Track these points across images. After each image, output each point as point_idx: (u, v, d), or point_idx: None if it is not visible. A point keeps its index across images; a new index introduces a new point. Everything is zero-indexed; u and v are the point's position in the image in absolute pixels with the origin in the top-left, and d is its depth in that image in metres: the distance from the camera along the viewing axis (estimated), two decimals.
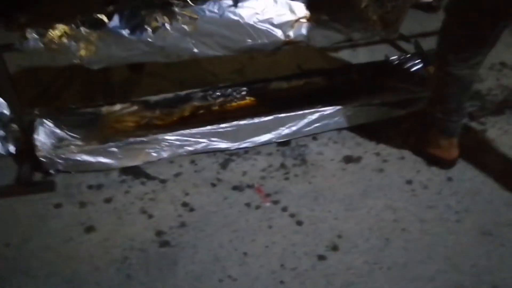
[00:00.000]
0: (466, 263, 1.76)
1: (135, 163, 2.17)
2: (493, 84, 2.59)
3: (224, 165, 2.19)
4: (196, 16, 1.88)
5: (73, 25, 1.86)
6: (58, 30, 1.86)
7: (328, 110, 2.23)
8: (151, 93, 2.43)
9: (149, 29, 1.87)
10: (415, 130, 2.25)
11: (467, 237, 1.85)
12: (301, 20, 1.99)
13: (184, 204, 2.02)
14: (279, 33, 1.98)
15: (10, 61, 2.02)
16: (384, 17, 2.06)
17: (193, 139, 2.17)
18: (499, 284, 1.69)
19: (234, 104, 2.43)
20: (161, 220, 1.96)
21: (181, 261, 1.82)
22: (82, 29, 1.86)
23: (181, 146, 2.17)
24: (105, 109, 2.35)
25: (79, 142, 2.14)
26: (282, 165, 2.18)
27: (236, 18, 1.91)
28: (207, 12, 1.88)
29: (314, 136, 2.30)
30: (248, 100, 2.45)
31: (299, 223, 1.93)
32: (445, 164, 2.11)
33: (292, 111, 2.21)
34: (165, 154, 2.18)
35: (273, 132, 2.23)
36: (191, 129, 2.16)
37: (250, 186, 2.09)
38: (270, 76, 2.55)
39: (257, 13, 1.92)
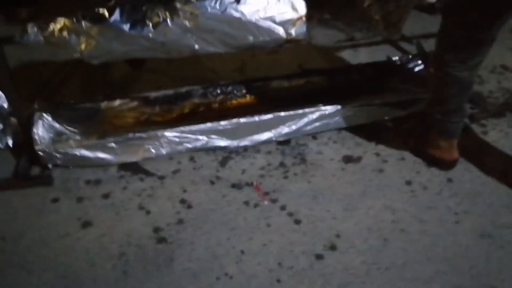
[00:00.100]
0: (465, 265, 1.75)
1: (133, 159, 2.16)
2: (494, 87, 2.59)
3: (223, 163, 2.18)
4: (197, 12, 1.88)
5: (74, 19, 1.86)
6: (58, 24, 1.86)
7: (329, 109, 2.23)
8: (151, 89, 2.43)
9: (150, 25, 1.86)
10: (415, 131, 2.24)
11: (467, 239, 1.84)
12: (303, 18, 1.98)
13: (182, 201, 2.01)
14: (281, 31, 1.98)
15: (11, 55, 2.02)
16: (387, 17, 2.06)
17: (192, 136, 2.16)
18: (498, 286, 1.68)
19: (234, 102, 2.42)
20: (158, 217, 1.95)
21: (178, 258, 1.80)
22: (83, 23, 1.85)
23: (180, 143, 2.17)
24: (104, 104, 2.34)
25: (77, 137, 2.13)
26: (282, 164, 2.17)
27: (238, 15, 1.90)
28: (209, 9, 1.88)
29: (314, 135, 2.29)
30: (249, 98, 2.44)
31: (297, 222, 1.92)
32: (445, 165, 2.10)
33: (293, 110, 2.20)
34: (164, 151, 2.17)
35: (273, 131, 2.22)
36: (191, 126, 2.15)
37: (249, 184, 2.08)
38: (271, 75, 2.54)
39: (259, 10, 1.92)
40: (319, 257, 1.79)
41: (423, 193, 2.02)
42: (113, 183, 2.09)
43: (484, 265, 1.75)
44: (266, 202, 2.00)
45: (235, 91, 2.44)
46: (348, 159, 2.18)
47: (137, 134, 2.12)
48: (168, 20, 1.87)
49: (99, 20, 1.86)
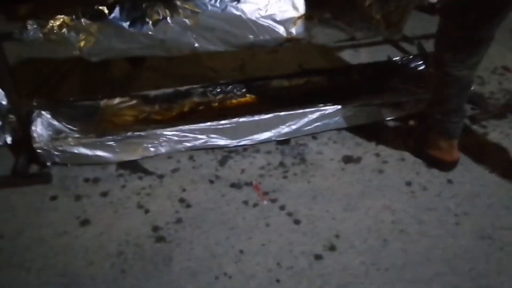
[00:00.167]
0: (465, 266, 1.74)
1: (132, 158, 2.15)
2: (496, 88, 2.58)
3: (222, 162, 2.17)
4: (198, 10, 1.87)
5: (73, 16, 1.85)
6: (58, 21, 1.85)
7: (329, 109, 2.22)
8: (151, 87, 2.42)
9: (150, 22, 1.85)
10: (416, 131, 2.24)
11: (466, 240, 1.83)
12: (304, 17, 1.98)
13: (181, 200, 2.01)
14: (281, 29, 1.97)
15: (10, 52, 2.01)
16: (387, 17, 2.05)
17: (191, 135, 2.15)
18: None
19: (234, 101, 2.42)
20: (157, 216, 1.95)
21: (176, 257, 1.80)
22: (83, 20, 1.85)
23: (180, 142, 2.16)
24: (104, 102, 2.34)
25: (76, 135, 2.12)
26: (281, 164, 2.16)
27: (238, 13, 1.89)
28: (209, 7, 1.87)
29: (314, 135, 2.28)
30: (248, 97, 2.44)
31: (297, 222, 1.91)
32: (446, 165, 2.09)
33: (292, 110, 2.19)
34: (163, 150, 2.16)
35: (273, 130, 2.21)
36: (190, 125, 2.14)
37: (248, 184, 2.07)
38: (271, 74, 2.53)
39: (259, 9, 1.91)
40: (318, 257, 1.79)
41: (423, 194, 2.01)
42: (111, 182, 2.09)
43: (484, 267, 1.74)
44: (265, 202, 2.00)
45: (235, 90, 2.44)
46: (348, 159, 2.18)
47: (136, 133, 2.11)
48: (168, 18, 1.87)
49: (99, 17, 1.86)
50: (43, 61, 2.68)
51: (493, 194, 2.00)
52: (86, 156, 2.10)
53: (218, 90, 2.43)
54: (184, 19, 1.87)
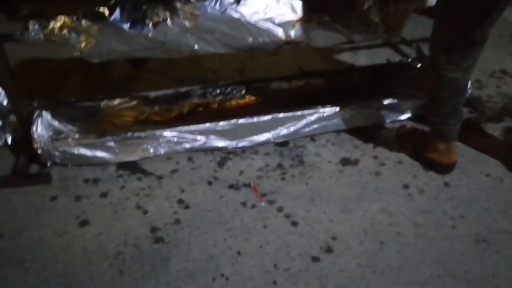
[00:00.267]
0: (460, 269, 1.75)
1: (132, 159, 2.16)
2: (494, 92, 2.59)
3: (221, 164, 2.19)
4: (197, 13, 1.88)
5: (74, 17, 1.86)
6: (59, 22, 1.86)
7: (327, 111, 2.23)
8: (151, 89, 2.43)
9: (150, 24, 1.87)
10: (413, 134, 2.24)
11: (462, 243, 1.84)
12: (303, 20, 1.99)
13: (180, 201, 2.02)
14: (280, 32, 1.98)
15: (11, 52, 2.03)
16: (386, 19, 2.06)
17: (191, 136, 2.16)
18: None
19: (233, 102, 2.43)
20: (156, 216, 1.96)
21: (174, 258, 1.81)
22: (83, 21, 1.86)
23: (179, 143, 2.17)
24: (104, 103, 2.35)
25: (76, 135, 2.13)
26: (279, 165, 2.17)
27: (237, 16, 1.91)
28: (209, 9, 1.88)
29: (312, 137, 2.30)
30: (248, 99, 2.45)
31: (294, 223, 1.93)
32: (443, 168, 2.10)
33: (291, 112, 2.20)
34: (162, 151, 2.17)
35: (272, 132, 2.23)
36: (190, 126, 2.15)
37: (246, 185, 2.08)
38: (270, 76, 2.55)
39: (258, 12, 1.92)
40: (315, 259, 1.80)
41: (420, 197, 2.02)
42: (111, 182, 2.10)
43: (479, 270, 1.75)
44: (263, 204, 2.01)
45: (234, 92, 2.45)
46: (345, 162, 2.19)
47: (136, 134, 2.12)
48: (168, 20, 1.88)
49: (99, 18, 1.87)
50: (44, 62, 2.69)
51: (490, 197, 2.01)
52: (86, 156, 2.11)
53: (218, 91, 2.44)
54: (184, 21, 1.88)
